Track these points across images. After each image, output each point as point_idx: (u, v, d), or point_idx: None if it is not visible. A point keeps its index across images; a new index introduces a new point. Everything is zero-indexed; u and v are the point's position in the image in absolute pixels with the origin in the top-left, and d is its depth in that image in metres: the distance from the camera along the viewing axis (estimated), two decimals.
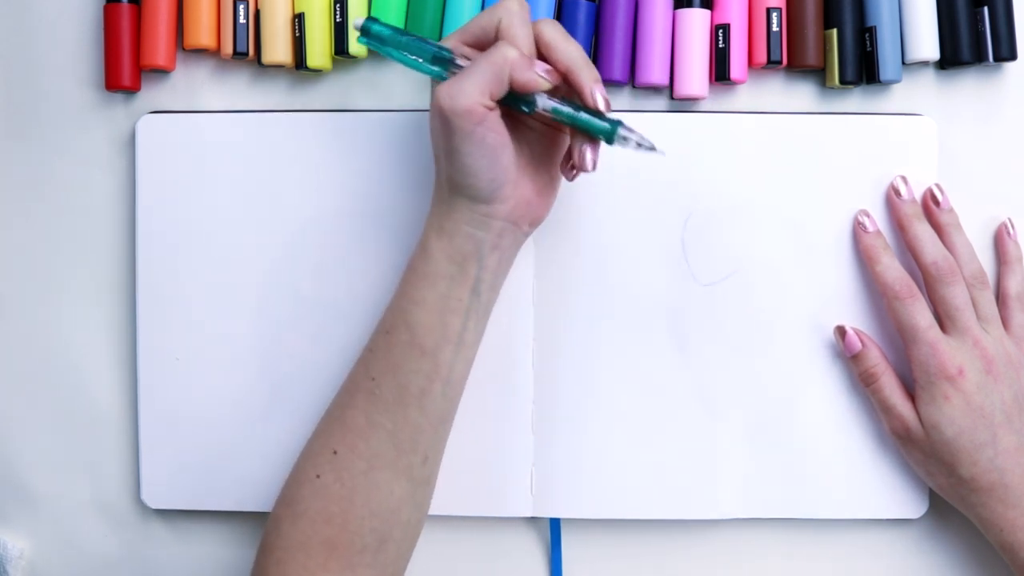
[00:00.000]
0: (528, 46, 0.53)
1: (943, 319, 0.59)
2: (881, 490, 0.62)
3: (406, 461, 0.55)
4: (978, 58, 0.61)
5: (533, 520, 0.64)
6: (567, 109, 0.53)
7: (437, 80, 0.54)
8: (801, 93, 0.63)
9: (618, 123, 0.53)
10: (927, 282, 0.60)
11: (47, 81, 0.64)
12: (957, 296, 0.59)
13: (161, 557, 0.65)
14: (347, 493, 0.55)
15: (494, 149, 0.52)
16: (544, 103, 0.53)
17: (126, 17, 0.62)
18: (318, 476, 0.55)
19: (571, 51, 0.53)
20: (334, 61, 0.63)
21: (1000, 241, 0.63)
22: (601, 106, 0.52)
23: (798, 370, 0.62)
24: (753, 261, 0.62)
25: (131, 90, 0.63)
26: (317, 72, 0.63)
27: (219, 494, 0.63)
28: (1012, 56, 0.61)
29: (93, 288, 0.64)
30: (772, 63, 0.61)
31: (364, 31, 0.54)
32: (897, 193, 0.61)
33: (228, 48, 0.62)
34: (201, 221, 0.63)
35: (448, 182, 0.55)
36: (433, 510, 0.61)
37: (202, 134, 0.63)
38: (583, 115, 0.53)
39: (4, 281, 0.65)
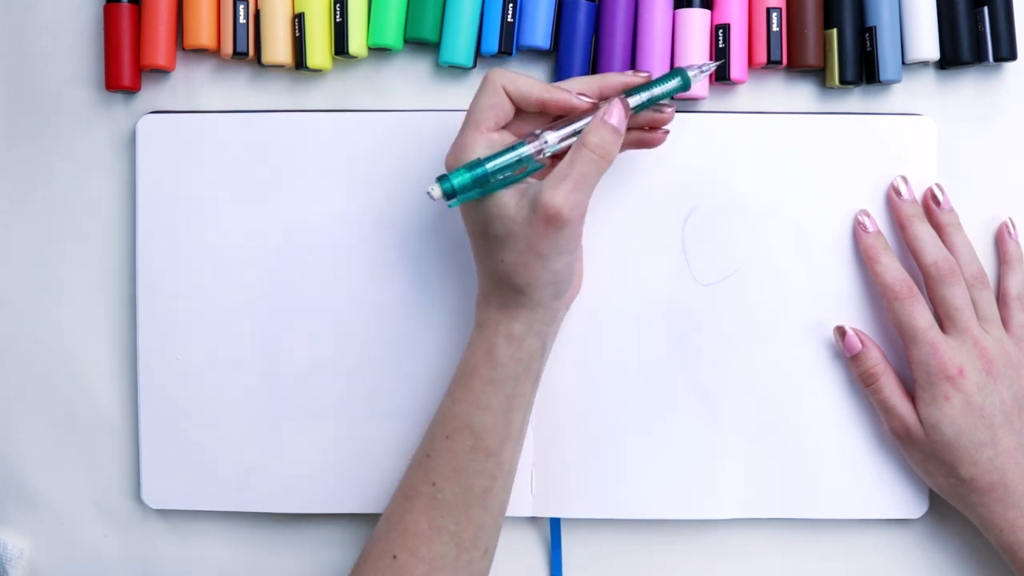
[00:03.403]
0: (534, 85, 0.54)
1: (943, 319, 0.59)
2: (881, 490, 0.62)
3: (467, 557, 0.56)
4: (978, 58, 0.61)
5: (533, 520, 0.64)
6: (643, 98, 0.54)
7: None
8: (801, 93, 0.63)
9: (681, 71, 0.55)
10: (927, 282, 0.59)
11: (47, 81, 0.64)
12: (957, 296, 0.59)
13: (161, 557, 0.65)
14: None
15: (580, 241, 0.54)
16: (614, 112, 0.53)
17: (126, 17, 0.62)
18: None
19: (588, 79, 0.55)
20: (334, 61, 0.63)
21: (1001, 241, 0.63)
22: (641, 78, 0.55)
23: (798, 370, 0.62)
24: (753, 261, 0.62)
25: (131, 90, 0.63)
26: (317, 72, 0.63)
27: (219, 494, 0.63)
28: (1012, 56, 0.61)
29: (93, 288, 0.64)
30: (772, 63, 0.61)
31: (447, 195, 0.51)
32: (897, 193, 0.61)
33: (228, 48, 0.62)
34: (201, 221, 0.63)
35: (526, 287, 0.54)
36: None
37: (202, 134, 0.63)
38: (656, 91, 0.54)
39: (4, 281, 0.65)
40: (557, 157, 0.54)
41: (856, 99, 0.63)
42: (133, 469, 0.64)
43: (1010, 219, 0.63)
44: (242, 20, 0.61)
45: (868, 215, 0.61)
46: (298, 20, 0.61)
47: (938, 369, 0.57)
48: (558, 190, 0.51)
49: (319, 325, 0.63)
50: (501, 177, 0.51)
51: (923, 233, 0.60)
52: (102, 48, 0.63)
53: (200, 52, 0.63)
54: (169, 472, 0.63)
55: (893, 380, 0.60)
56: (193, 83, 0.64)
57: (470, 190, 0.51)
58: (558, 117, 0.55)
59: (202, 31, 0.61)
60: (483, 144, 0.53)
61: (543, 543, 0.64)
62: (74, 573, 0.65)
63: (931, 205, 0.61)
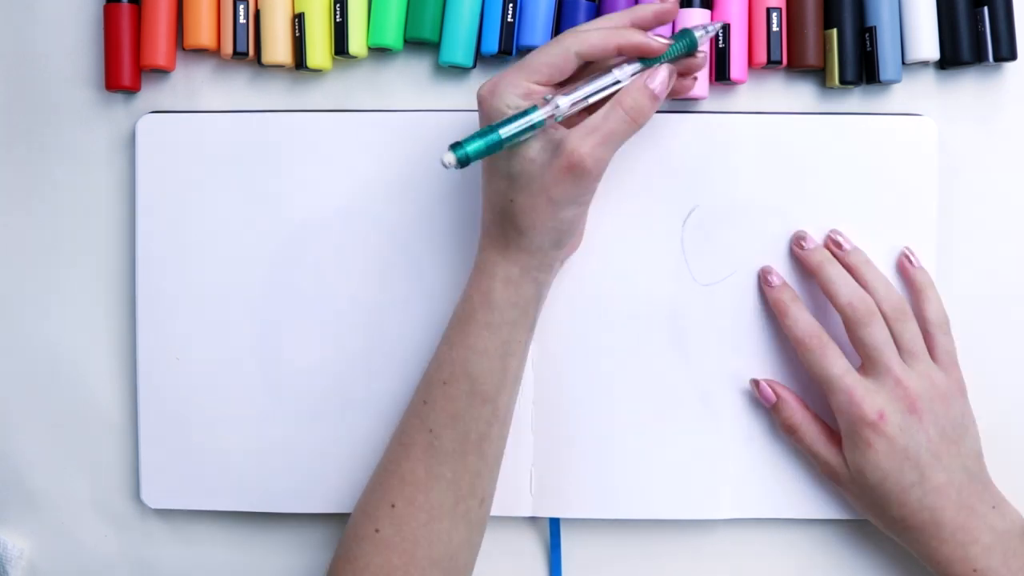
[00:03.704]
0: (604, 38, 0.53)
1: (863, 361, 0.58)
2: None
3: (464, 506, 0.56)
4: (978, 58, 0.61)
5: (533, 520, 0.64)
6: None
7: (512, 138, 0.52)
8: (801, 93, 0.63)
9: (688, 32, 0.55)
10: (845, 324, 0.58)
11: (47, 81, 0.64)
12: (875, 336, 0.58)
13: (161, 557, 0.65)
14: (408, 546, 0.55)
15: (591, 196, 0.54)
16: (625, 70, 0.54)
17: (126, 17, 0.62)
18: (377, 530, 0.55)
19: (623, 13, 0.55)
20: (334, 61, 0.63)
21: (904, 272, 0.61)
22: (661, 42, 0.54)
23: (797, 370, 0.62)
24: (753, 261, 0.62)
25: (131, 90, 0.63)
26: (317, 72, 0.63)
27: (219, 494, 0.63)
28: (1012, 56, 0.61)
29: (93, 288, 0.64)
30: (772, 63, 0.61)
31: (462, 163, 0.51)
32: (800, 246, 0.61)
33: (228, 48, 0.62)
34: (201, 221, 0.63)
35: (528, 229, 0.54)
36: None
37: (202, 134, 0.63)
38: (678, 47, 0.54)
39: (4, 281, 0.65)
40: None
41: (856, 99, 0.63)
42: (133, 469, 0.64)
43: (907, 248, 0.61)
44: (242, 20, 0.61)
45: (772, 271, 0.61)
46: (298, 20, 0.61)
47: (858, 416, 0.57)
48: (585, 140, 0.52)
49: (319, 325, 0.63)
50: (518, 140, 0.52)
51: (834, 276, 0.59)
52: (102, 48, 0.63)
53: (200, 52, 0.63)
54: (169, 472, 0.63)
55: (814, 427, 0.60)
56: (193, 83, 0.64)
57: (485, 153, 0.51)
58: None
59: (202, 31, 0.61)
60: (519, 92, 0.52)
61: (543, 543, 0.64)
62: (74, 573, 0.65)
63: (835, 251, 0.60)
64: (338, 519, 0.64)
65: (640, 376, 0.62)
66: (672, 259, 0.62)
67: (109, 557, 0.65)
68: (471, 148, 0.51)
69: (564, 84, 0.54)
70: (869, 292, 0.59)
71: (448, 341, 0.57)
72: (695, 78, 0.58)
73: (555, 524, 0.63)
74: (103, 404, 0.64)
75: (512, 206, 0.54)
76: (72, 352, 0.64)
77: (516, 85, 0.52)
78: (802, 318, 0.59)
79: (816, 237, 0.62)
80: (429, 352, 0.62)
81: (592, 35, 0.53)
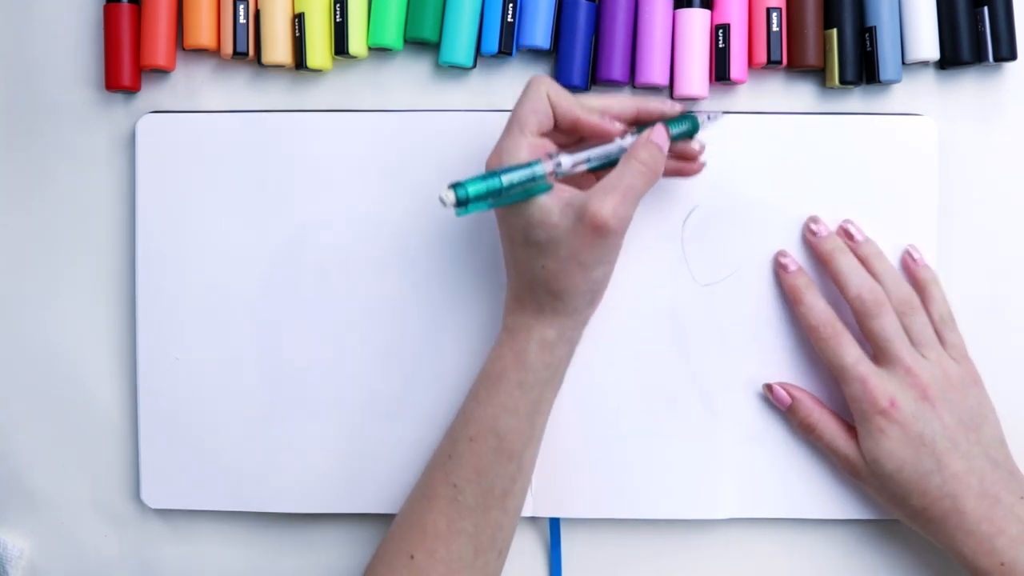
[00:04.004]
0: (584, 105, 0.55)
1: (875, 351, 0.58)
2: None
3: (483, 559, 0.56)
4: (978, 58, 0.61)
5: (533, 520, 0.64)
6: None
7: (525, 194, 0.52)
8: (801, 93, 0.63)
9: (691, 115, 0.57)
10: (856, 315, 0.59)
11: (47, 81, 0.64)
12: (886, 327, 0.58)
13: (161, 557, 0.65)
14: None
15: (619, 251, 0.55)
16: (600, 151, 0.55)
17: (126, 17, 0.62)
18: None
19: (621, 100, 0.56)
20: (334, 61, 0.63)
21: (908, 270, 0.61)
22: (677, 110, 0.57)
23: (797, 370, 0.62)
24: (753, 261, 0.62)
25: (131, 90, 0.63)
26: (317, 72, 0.63)
27: (219, 494, 0.63)
28: (1012, 56, 0.61)
29: (93, 288, 0.64)
30: (772, 63, 0.61)
31: (460, 203, 0.50)
32: (812, 233, 0.61)
33: (228, 48, 0.62)
34: (201, 221, 0.63)
35: (563, 293, 0.54)
36: None
37: (202, 134, 0.63)
38: (674, 130, 0.56)
39: (4, 281, 0.65)
40: (565, 180, 0.54)
41: (856, 99, 0.63)
42: (133, 469, 0.64)
43: (911, 246, 0.61)
44: (242, 20, 0.61)
45: (787, 254, 0.61)
46: (298, 20, 0.61)
47: (870, 404, 0.57)
48: (606, 201, 0.52)
49: (319, 324, 0.63)
50: (512, 192, 0.51)
51: (845, 266, 0.59)
52: (102, 48, 0.63)
53: (200, 52, 0.63)
54: (169, 472, 0.63)
55: (832, 423, 0.60)
56: (193, 83, 0.64)
57: (483, 199, 0.51)
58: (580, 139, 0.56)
59: (202, 31, 0.61)
60: (528, 149, 0.53)
61: (543, 543, 0.64)
62: (74, 573, 0.65)
63: (847, 242, 0.60)
64: (338, 519, 0.64)
65: (640, 376, 0.62)
66: (672, 259, 0.62)
67: (109, 557, 0.65)
68: (472, 188, 0.50)
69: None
70: (879, 283, 0.59)
71: (476, 398, 0.57)
72: (702, 162, 0.59)
73: (555, 524, 0.63)
74: (103, 404, 0.64)
75: (544, 272, 0.54)
76: (72, 352, 0.64)
77: (517, 144, 0.53)
78: (817, 305, 0.59)
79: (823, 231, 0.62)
80: (428, 351, 0.62)
81: (607, 99, 0.55)
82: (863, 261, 0.60)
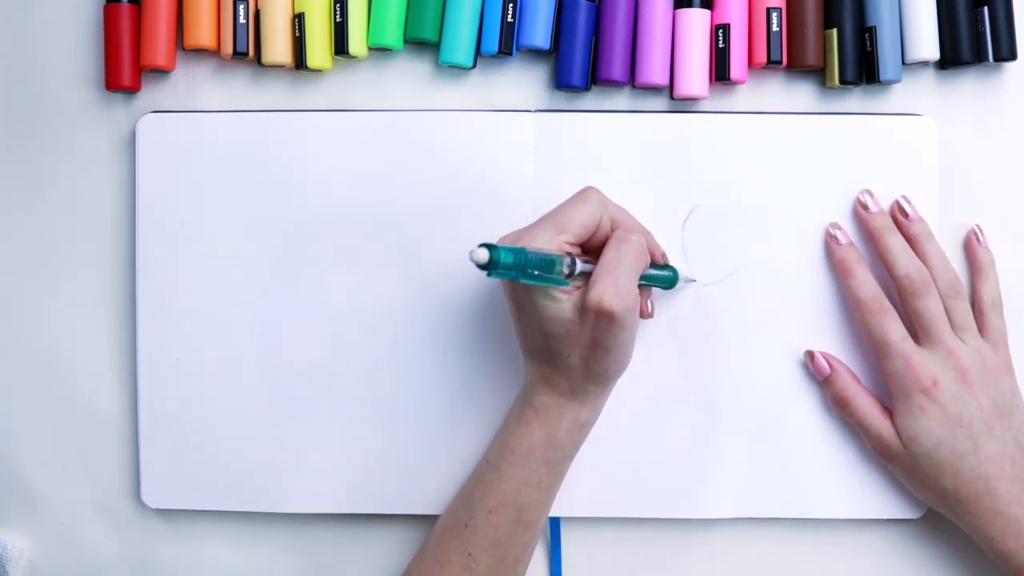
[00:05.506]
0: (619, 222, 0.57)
1: (917, 331, 0.59)
2: (880, 490, 0.62)
3: None
4: (978, 58, 0.61)
5: None
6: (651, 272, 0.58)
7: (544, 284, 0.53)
8: (801, 93, 0.63)
9: (674, 269, 0.60)
10: (900, 295, 0.59)
11: (47, 81, 0.64)
12: (930, 308, 0.58)
13: (161, 557, 0.65)
14: None
15: (638, 323, 0.55)
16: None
17: (126, 17, 0.62)
18: None
19: (634, 222, 0.58)
20: (334, 61, 0.63)
21: (970, 248, 0.62)
22: (666, 261, 0.60)
23: (797, 370, 0.62)
24: (753, 261, 0.62)
25: (131, 90, 0.63)
26: (317, 72, 0.63)
27: (219, 494, 0.63)
28: (1012, 56, 0.61)
29: (93, 288, 0.64)
30: (772, 63, 0.61)
31: (491, 265, 0.49)
32: (864, 207, 0.61)
33: (228, 48, 0.62)
34: (201, 221, 0.63)
35: (598, 377, 0.55)
36: (433, 510, 0.62)
37: (202, 134, 0.63)
38: (652, 272, 0.58)
39: (4, 281, 0.65)
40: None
41: (856, 99, 0.63)
42: (133, 469, 0.64)
43: (977, 226, 0.62)
44: (242, 20, 0.61)
45: (839, 227, 0.61)
46: (298, 20, 0.61)
47: (912, 381, 0.57)
48: (607, 288, 0.52)
49: (319, 325, 0.63)
50: (535, 273, 0.51)
51: (894, 245, 0.60)
52: (102, 48, 0.63)
53: (200, 52, 0.63)
54: (169, 472, 0.63)
55: (866, 399, 0.60)
56: (193, 83, 0.64)
57: (510, 269, 0.50)
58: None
59: (202, 31, 0.61)
60: (548, 241, 0.53)
61: (543, 543, 0.64)
62: (74, 573, 0.65)
63: (900, 218, 0.61)
64: (338, 519, 0.64)
65: (640, 376, 0.62)
66: (672, 259, 0.62)
67: (109, 557, 0.65)
68: (503, 255, 0.50)
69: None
70: (926, 265, 0.59)
71: (498, 470, 0.57)
72: (649, 314, 0.61)
73: (555, 524, 0.63)
74: (103, 404, 0.64)
75: (574, 360, 0.54)
76: (72, 352, 0.64)
77: (548, 241, 0.53)
78: (867, 280, 0.60)
79: (815, 236, 0.62)
80: (429, 352, 0.62)
81: (621, 212, 0.57)
82: (912, 240, 0.60)
